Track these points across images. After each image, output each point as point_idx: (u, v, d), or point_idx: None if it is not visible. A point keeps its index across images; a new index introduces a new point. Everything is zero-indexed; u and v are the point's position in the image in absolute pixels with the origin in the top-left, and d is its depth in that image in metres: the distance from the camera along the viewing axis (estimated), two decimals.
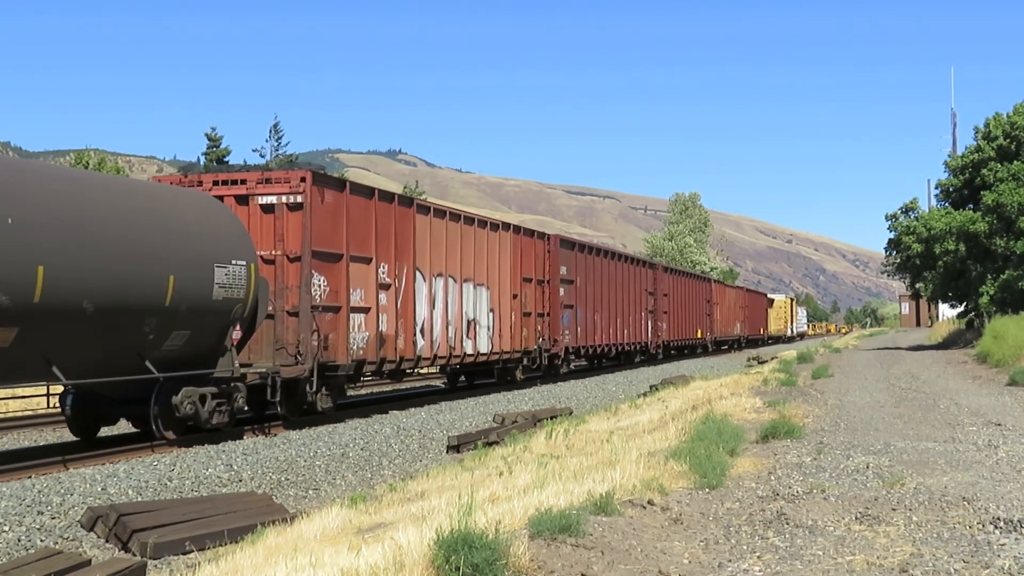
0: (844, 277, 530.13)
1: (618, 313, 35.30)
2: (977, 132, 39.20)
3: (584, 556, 5.43)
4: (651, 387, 25.48)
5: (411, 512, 8.06)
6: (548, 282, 28.34)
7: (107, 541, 8.79)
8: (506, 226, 26.05)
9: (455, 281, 22.20)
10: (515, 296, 25.71)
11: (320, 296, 16.82)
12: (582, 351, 31.66)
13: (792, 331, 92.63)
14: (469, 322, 22.86)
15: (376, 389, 26.11)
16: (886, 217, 40.65)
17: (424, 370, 23.87)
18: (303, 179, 16.56)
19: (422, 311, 20.57)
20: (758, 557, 5.82)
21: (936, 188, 41.46)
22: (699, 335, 50.48)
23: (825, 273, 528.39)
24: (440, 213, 21.87)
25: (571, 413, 18.78)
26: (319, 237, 16.83)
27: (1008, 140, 37.14)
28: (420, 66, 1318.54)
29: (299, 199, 16.54)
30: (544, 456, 11.02)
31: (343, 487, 12.18)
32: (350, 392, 21.43)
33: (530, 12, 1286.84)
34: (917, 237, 37.93)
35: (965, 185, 39.00)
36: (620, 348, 35.87)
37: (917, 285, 45.75)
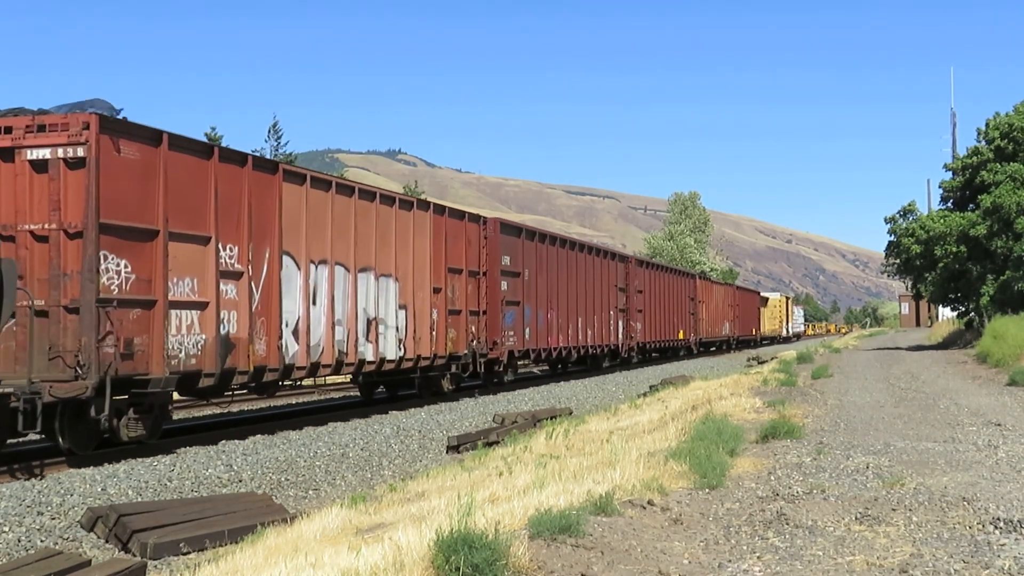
0: (844, 277, 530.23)
1: (580, 311, 31.33)
2: (979, 133, 39.28)
3: (584, 556, 5.43)
4: (651, 387, 25.51)
5: (411, 512, 8.06)
6: (485, 274, 24.15)
7: (107, 541, 8.79)
8: (423, 205, 21.62)
9: (347, 270, 17.83)
10: (438, 290, 21.40)
11: (118, 286, 12.66)
12: (532, 354, 27.75)
13: (788, 331, 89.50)
14: (369, 321, 18.58)
15: (267, 403, 21.69)
16: (885, 220, 40.73)
17: (308, 381, 20.12)
18: (87, 125, 12.23)
19: (295, 307, 16.24)
20: (758, 557, 5.82)
21: (939, 188, 41.56)
22: (681, 336, 46.40)
23: (825, 273, 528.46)
24: (322, 184, 17.36)
25: (571, 413, 18.79)
26: (114, 205, 12.54)
27: (1006, 141, 37.19)
28: (420, 66, 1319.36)
29: (81, 152, 12.21)
30: (544, 456, 11.03)
31: (343, 487, 12.18)
32: (226, 409, 19.33)
33: (530, 12, 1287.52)
34: (916, 239, 37.99)
35: (965, 186, 39.06)
36: (584, 351, 31.99)
37: (918, 286, 45.78)
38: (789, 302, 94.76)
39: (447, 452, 14.85)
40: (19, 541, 8.80)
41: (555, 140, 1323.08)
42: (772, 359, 36.72)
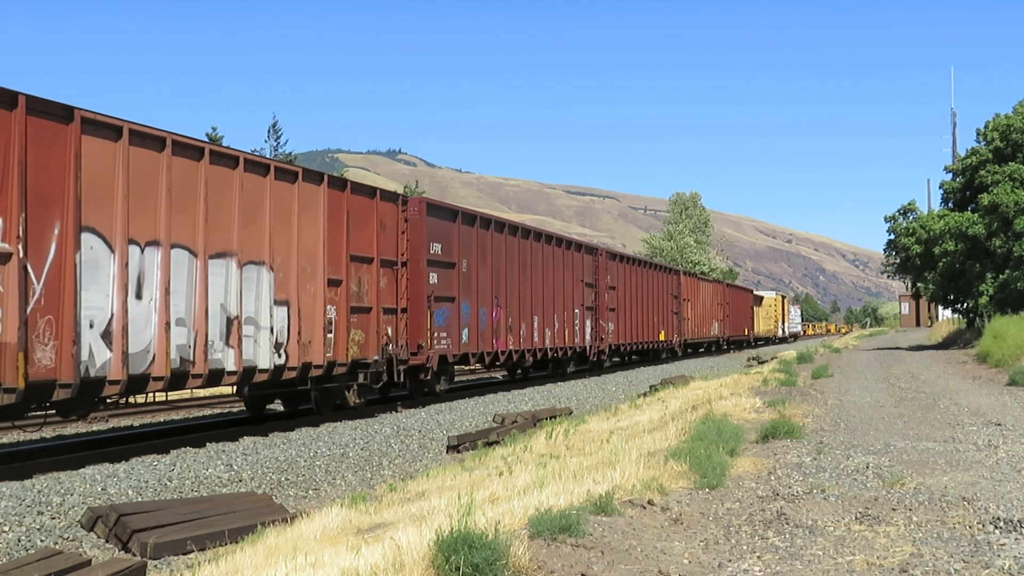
0: (844, 277, 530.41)
1: (536, 309, 27.64)
2: (978, 134, 39.35)
3: (584, 556, 5.43)
4: (651, 387, 25.51)
5: (411, 512, 8.06)
6: (406, 264, 20.27)
7: (107, 541, 8.79)
8: (313, 176, 17.36)
9: (192, 255, 14.13)
10: (336, 283, 17.64)
11: None
12: (473, 358, 23.95)
13: (784, 331, 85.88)
14: (230, 321, 14.80)
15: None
16: (885, 219, 40.78)
17: (130, 399, 14.63)
18: None
19: (105, 302, 12.57)
20: (758, 557, 5.82)
21: (940, 189, 41.64)
22: (662, 337, 42.51)
23: (825, 273, 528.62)
24: (150, 141, 13.45)
25: (571, 413, 18.79)
26: None
27: (1004, 142, 37.26)
28: (420, 66, 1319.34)
29: None
30: (544, 456, 11.03)
31: (343, 487, 12.18)
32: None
33: (530, 13, 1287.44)
34: (916, 239, 38.04)
35: (965, 187, 39.13)
36: (542, 354, 28.40)
37: (918, 284, 45.83)
38: (785, 301, 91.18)
39: (447, 452, 14.85)
40: (19, 541, 8.80)
41: (555, 140, 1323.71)
42: (772, 359, 36.72)
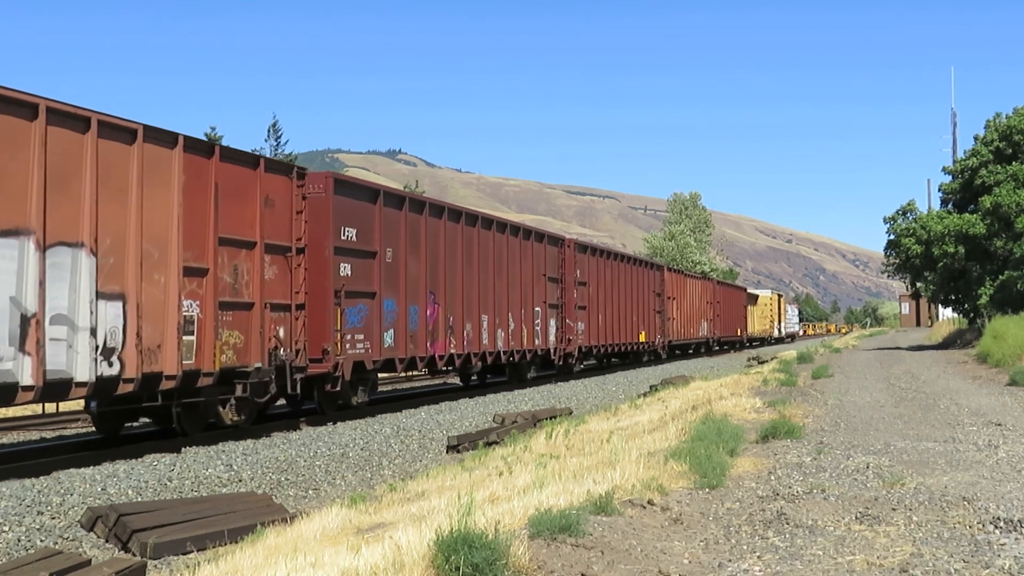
0: (844, 277, 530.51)
1: (486, 307, 24.06)
2: (977, 139, 39.31)
3: (584, 556, 5.42)
4: (651, 387, 25.51)
5: (411, 512, 8.06)
6: (302, 251, 16.67)
7: (107, 541, 8.79)
8: (162, 137, 13.77)
9: None
10: (198, 272, 14.31)
11: None
12: (402, 364, 20.09)
13: (780, 332, 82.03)
14: (25, 320, 11.43)
15: None
16: (885, 220, 40.73)
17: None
18: None
19: None
20: (758, 557, 5.82)
21: (939, 191, 41.58)
22: (643, 338, 38.89)
23: (825, 273, 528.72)
24: None
25: (571, 413, 18.79)
26: None
27: (1005, 143, 37.20)
28: (420, 66, 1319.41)
29: None
30: (544, 456, 11.03)
31: (343, 487, 12.18)
32: None
33: (530, 13, 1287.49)
34: (917, 239, 37.98)
35: (964, 189, 39.08)
36: (493, 358, 24.62)
37: (917, 285, 45.79)
38: (782, 300, 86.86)
39: (447, 452, 14.85)
40: (19, 541, 8.80)
41: (555, 140, 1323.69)
42: (772, 359, 36.72)
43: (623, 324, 36.39)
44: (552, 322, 29.05)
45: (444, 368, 22.77)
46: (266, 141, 60.06)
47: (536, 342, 27.71)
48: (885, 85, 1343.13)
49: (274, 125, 59.96)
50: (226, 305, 14.93)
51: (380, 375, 22.06)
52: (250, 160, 16.06)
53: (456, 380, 28.47)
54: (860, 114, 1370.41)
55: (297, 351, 16.57)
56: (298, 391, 16.69)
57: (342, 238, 17.96)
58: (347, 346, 17.88)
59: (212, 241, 14.64)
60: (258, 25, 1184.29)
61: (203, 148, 14.87)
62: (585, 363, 34.61)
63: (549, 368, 30.12)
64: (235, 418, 15.48)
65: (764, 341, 73.44)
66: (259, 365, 15.59)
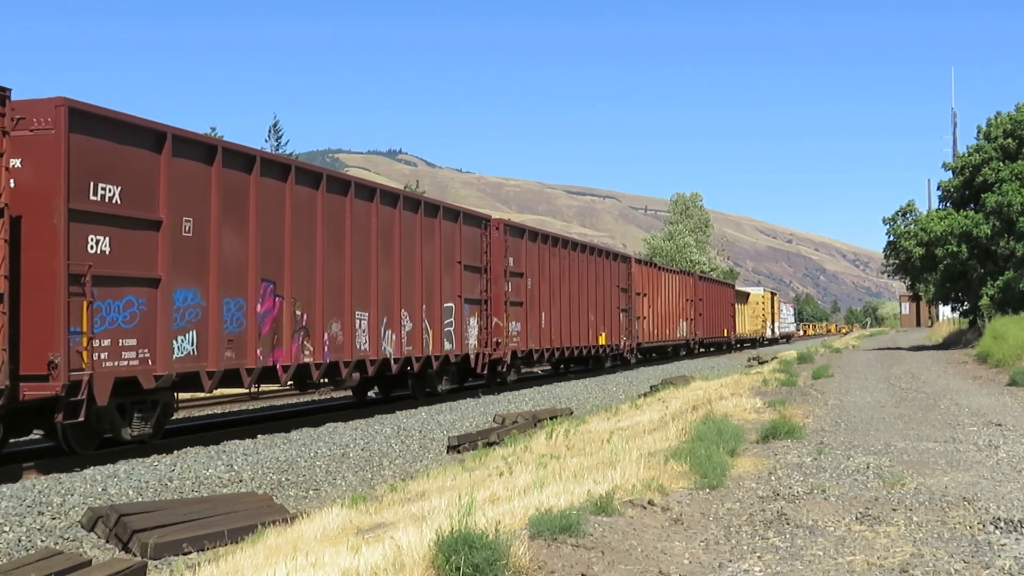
0: (844, 277, 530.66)
1: (363, 301, 18.38)
2: (979, 132, 39.08)
3: (584, 556, 5.42)
4: (651, 387, 25.51)
5: (411, 512, 8.06)
6: (17, 219, 11.64)
7: (107, 541, 8.79)
8: None
9: None
10: None
11: None
12: (208, 380, 14.36)
13: (774, 332, 77.28)
14: None
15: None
16: (884, 221, 40.61)
17: None
18: None
19: None
20: (758, 557, 5.82)
21: (938, 189, 41.40)
22: (602, 340, 33.50)
23: (825, 273, 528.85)
24: None
25: (571, 413, 18.79)
26: None
27: (1010, 139, 36.88)
28: (420, 66, 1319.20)
29: None
30: (544, 456, 11.03)
31: (343, 487, 12.18)
32: None
33: (530, 13, 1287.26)
34: (917, 240, 37.81)
35: (965, 186, 38.88)
36: (377, 367, 18.87)
37: (918, 285, 45.70)
38: (776, 299, 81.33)
39: (447, 452, 14.85)
40: (19, 541, 8.80)
41: (555, 140, 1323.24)
42: (773, 359, 36.71)
43: (576, 324, 30.94)
44: (472, 321, 23.46)
45: (288, 384, 17.19)
46: (267, 141, 60.14)
47: (447, 346, 22.04)
48: (885, 84, 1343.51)
49: (275, 125, 60.09)
50: None
51: (222, 390, 18.04)
52: None
53: (319, 397, 23.65)
54: (860, 113, 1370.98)
55: None
56: None
57: (91, 198, 12.44)
58: (103, 356, 12.47)
59: None
60: (259, 24, 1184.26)
61: None
62: (533, 370, 30.81)
63: (472, 377, 24.89)
64: None
65: (755, 342, 68.79)
66: None
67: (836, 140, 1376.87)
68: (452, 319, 22.48)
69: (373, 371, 18.84)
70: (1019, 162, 35.99)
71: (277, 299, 16.02)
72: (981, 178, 36.95)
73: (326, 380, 18.06)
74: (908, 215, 40.09)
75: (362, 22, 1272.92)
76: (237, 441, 15.04)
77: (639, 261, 41.05)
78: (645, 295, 39.49)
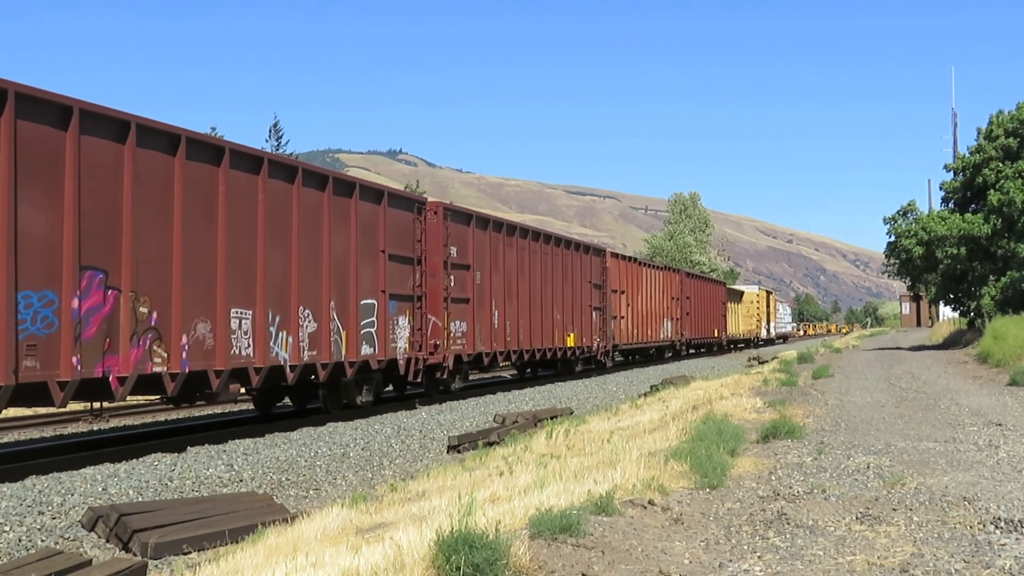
0: (844, 277, 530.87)
1: (244, 295, 15.10)
2: (980, 132, 39.00)
3: (585, 556, 5.42)
4: (652, 387, 25.52)
5: (411, 512, 8.06)
6: None
7: (108, 541, 8.79)
8: None
9: None
10: None
11: None
12: (3, 395, 10.92)
13: (770, 332, 74.39)
14: None
15: None
16: (884, 221, 40.58)
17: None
18: None
19: None
20: (759, 557, 5.82)
21: (940, 190, 41.35)
22: (570, 341, 30.15)
23: (826, 273, 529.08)
24: None
25: (572, 413, 18.79)
26: None
27: (1012, 138, 36.77)
28: (420, 66, 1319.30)
29: None
30: (544, 456, 11.04)
31: (344, 487, 12.18)
32: None
33: (530, 13, 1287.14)
34: (918, 240, 37.77)
35: (966, 187, 38.85)
36: (263, 377, 15.38)
37: (918, 285, 45.67)
38: (771, 297, 78.21)
39: (448, 452, 14.85)
40: (20, 541, 8.80)
41: (555, 140, 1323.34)
42: (773, 359, 36.71)
43: (539, 323, 27.68)
44: (402, 321, 19.89)
45: (126, 396, 13.13)
46: (267, 140, 60.18)
47: (366, 350, 18.39)
48: (885, 84, 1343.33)
49: (275, 125, 60.18)
50: None
51: (17, 410, 15.83)
52: None
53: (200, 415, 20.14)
54: (860, 113, 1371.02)
55: None
56: None
57: None
58: None
59: None
60: (259, 24, 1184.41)
61: None
62: (501, 375, 28.22)
63: (410, 386, 22.03)
64: None
65: (749, 343, 66.01)
66: None
67: (836, 140, 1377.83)
68: (374, 318, 18.78)
69: (258, 381, 15.41)
70: (1021, 161, 35.93)
71: (109, 292, 12.53)
72: (982, 179, 36.92)
73: (161, 396, 14.35)
74: (909, 215, 40.07)
75: (362, 22, 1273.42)
76: (237, 441, 15.05)
77: (616, 255, 37.38)
78: (623, 292, 36.61)
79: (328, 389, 18.21)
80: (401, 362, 19.96)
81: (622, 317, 36.38)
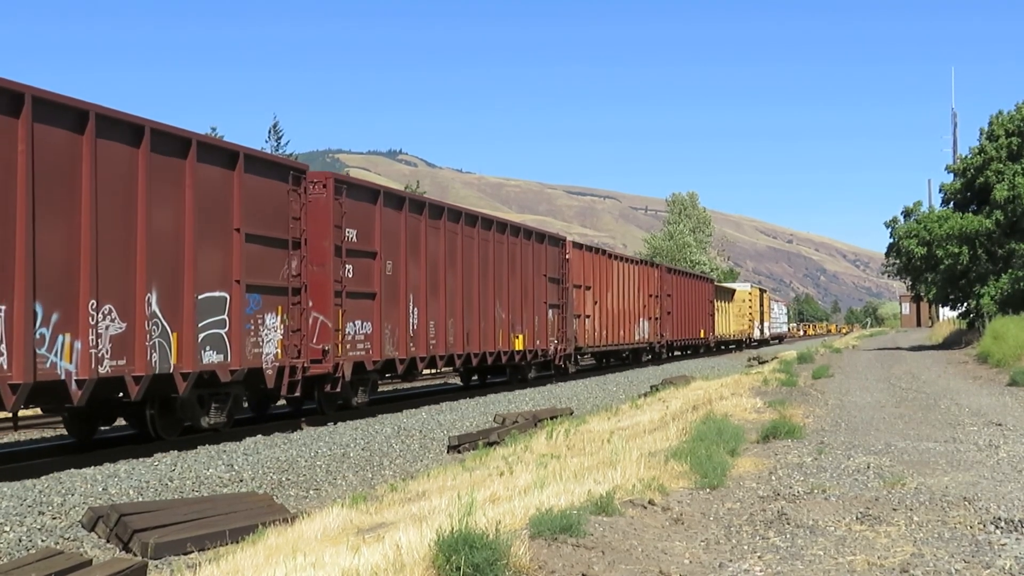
0: (844, 277, 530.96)
1: (9, 285, 10.81)
2: (981, 133, 38.99)
3: (585, 556, 5.43)
4: (652, 387, 25.51)
5: (412, 512, 8.06)
6: None
7: (108, 541, 8.79)
8: None
9: None
10: None
11: None
12: None
13: (763, 333, 70.28)
14: None
15: None
16: (886, 224, 40.54)
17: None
18: None
19: None
20: (759, 557, 5.82)
21: (940, 192, 41.31)
22: (518, 345, 25.77)
23: (826, 273, 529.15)
24: None
25: (572, 413, 18.80)
26: None
27: (1013, 138, 36.67)
28: (420, 66, 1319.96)
29: None
30: (544, 456, 11.04)
31: (344, 487, 12.18)
32: None
33: (530, 13, 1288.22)
34: (919, 240, 37.72)
35: (966, 188, 38.83)
36: (3, 392, 10.73)
37: (919, 285, 45.65)
38: (764, 296, 73.54)
39: (448, 452, 14.85)
40: (20, 541, 8.80)
41: (555, 140, 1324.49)
42: (773, 359, 36.72)
43: (478, 323, 23.33)
44: (271, 320, 15.65)
45: None
46: (267, 141, 60.16)
47: (211, 358, 14.14)
48: (885, 84, 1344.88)
49: (275, 126, 60.12)
50: None
51: None
52: None
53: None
54: (860, 114, 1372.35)
55: None
56: None
57: None
58: None
59: None
60: (258, 24, 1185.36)
61: None
62: (432, 383, 25.45)
63: (294, 402, 18.17)
64: None
65: (740, 344, 62.47)
66: None
67: (836, 140, 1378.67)
68: (224, 316, 14.50)
69: (13, 404, 10.95)
70: (1022, 161, 35.90)
71: None
72: (983, 179, 36.89)
73: None
74: (912, 215, 40.01)
75: (362, 22, 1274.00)
76: (237, 441, 15.04)
77: (580, 246, 32.58)
78: (589, 288, 32.31)
79: (159, 409, 14.16)
80: (269, 372, 15.51)
81: (588, 316, 32.20)
